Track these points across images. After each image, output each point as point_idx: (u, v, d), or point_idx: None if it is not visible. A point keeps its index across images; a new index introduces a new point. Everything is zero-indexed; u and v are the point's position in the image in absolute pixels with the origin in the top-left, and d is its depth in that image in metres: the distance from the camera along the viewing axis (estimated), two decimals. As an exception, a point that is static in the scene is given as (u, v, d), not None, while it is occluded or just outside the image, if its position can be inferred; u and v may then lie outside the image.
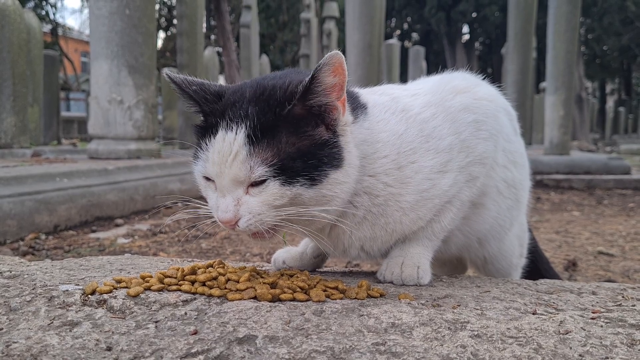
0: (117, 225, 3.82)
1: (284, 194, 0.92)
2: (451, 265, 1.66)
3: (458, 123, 1.11)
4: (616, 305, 0.93)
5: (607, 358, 0.68)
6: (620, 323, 0.80)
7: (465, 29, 22.90)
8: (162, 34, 24.84)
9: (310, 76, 0.90)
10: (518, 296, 1.00)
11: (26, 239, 3.18)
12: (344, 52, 7.90)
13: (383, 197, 1.05)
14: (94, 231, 3.59)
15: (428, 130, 1.09)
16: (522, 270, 1.63)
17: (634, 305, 0.93)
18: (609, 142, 18.92)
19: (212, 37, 21.75)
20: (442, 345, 0.73)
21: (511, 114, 1.38)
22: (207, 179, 0.97)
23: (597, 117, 24.71)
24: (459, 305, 0.90)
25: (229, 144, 0.90)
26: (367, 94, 1.14)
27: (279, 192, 0.92)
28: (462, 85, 1.18)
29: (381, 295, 0.97)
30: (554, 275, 1.72)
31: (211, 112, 0.96)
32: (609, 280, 2.25)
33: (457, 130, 1.11)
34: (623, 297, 1.05)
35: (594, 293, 1.08)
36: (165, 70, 0.99)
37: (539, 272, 1.69)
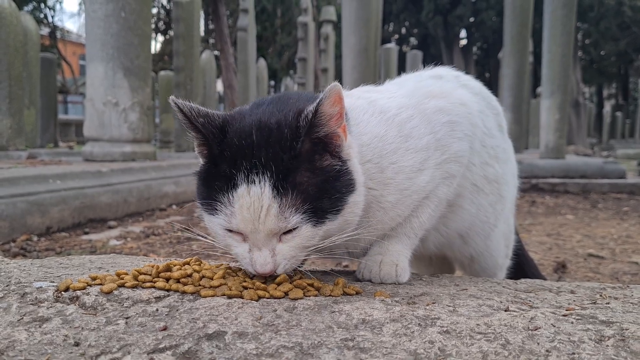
0: (110, 227, 3.81)
1: (316, 234, 0.93)
2: (437, 265, 1.66)
3: (434, 123, 1.13)
4: (591, 303, 0.93)
5: (574, 354, 0.68)
6: (591, 320, 0.80)
7: (463, 33, 22.97)
8: (160, 37, 24.87)
9: (313, 110, 0.90)
10: (495, 294, 1.00)
11: (18, 240, 3.18)
12: (340, 55, 7.91)
13: (367, 201, 1.06)
14: (86, 233, 3.59)
15: (407, 130, 1.10)
16: (508, 272, 1.63)
17: (608, 303, 0.93)
18: (606, 146, 18.94)
19: (211, 40, 21.78)
20: (410, 341, 0.73)
21: (496, 109, 1.40)
22: (228, 230, 0.95)
23: (595, 122, 24.75)
24: (433, 303, 0.90)
25: (258, 199, 0.88)
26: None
27: (311, 234, 0.93)
28: (437, 90, 1.20)
29: (357, 293, 0.97)
30: (539, 277, 1.72)
31: (221, 157, 0.93)
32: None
33: (433, 130, 1.12)
34: (601, 295, 1.05)
35: (572, 292, 1.08)
36: (172, 98, 0.93)
37: (524, 274, 1.69)
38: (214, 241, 1.01)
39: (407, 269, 1.13)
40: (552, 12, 7.24)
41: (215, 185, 0.92)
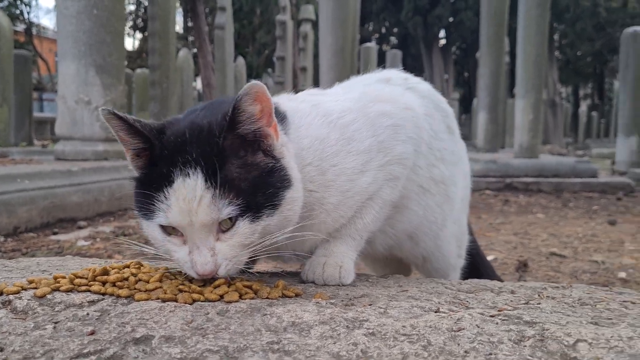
0: (80, 228, 3.77)
1: (255, 230, 0.95)
2: (394, 266, 1.68)
3: (377, 126, 1.15)
4: (524, 304, 0.95)
5: (491, 354, 0.70)
6: (516, 320, 0.82)
7: (442, 33, 23.14)
8: (139, 35, 24.61)
9: (231, 107, 0.92)
10: (435, 295, 1.02)
11: (-18, 241, 3.12)
12: (317, 55, 7.91)
13: (309, 204, 1.08)
14: (55, 233, 3.54)
15: (349, 133, 1.11)
16: (463, 272, 1.65)
17: (539, 304, 0.95)
18: (581, 146, 19.26)
19: (190, 38, 21.62)
20: (335, 343, 0.74)
21: (445, 111, 1.42)
22: (167, 233, 0.96)
23: (571, 122, 25.14)
24: (370, 305, 0.91)
25: (192, 190, 0.90)
26: (287, 102, 1.17)
27: (249, 230, 0.94)
28: (382, 95, 1.22)
29: (297, 295, 0.98)
30: (494, 277, 1.75)
31: (160, 159, 0.95)
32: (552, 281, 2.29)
33: (376, 133, 1.14)
34: (539, 295, 1.07)
35: (512, 292, 1.10)
36: (102, 108, 0.95)
37: (479, 274, 1.71)
38: (150, 248, 1.02)
39: (351, 271, 1.14)
40: (527, 12, 7.33)
41: (152, 187, 0.93)
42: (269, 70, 16.79)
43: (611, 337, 0.72)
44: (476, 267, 1.73)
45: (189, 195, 0.90)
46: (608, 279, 2.29)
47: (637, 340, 0.72)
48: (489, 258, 2.63)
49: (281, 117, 1.08)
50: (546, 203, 5.82)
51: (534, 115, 7.43)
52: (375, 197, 1.15)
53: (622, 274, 2.33)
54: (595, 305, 0.97)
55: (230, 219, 0.92)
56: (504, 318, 0.83)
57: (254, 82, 0.92)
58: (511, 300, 1.01)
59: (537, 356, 0.70)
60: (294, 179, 0.99)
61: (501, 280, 1.67)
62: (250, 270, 1.05)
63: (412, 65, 26.97)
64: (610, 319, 0.84)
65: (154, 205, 0.93)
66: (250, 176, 0.94)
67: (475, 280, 1.26)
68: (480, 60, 9.48)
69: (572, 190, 6.75)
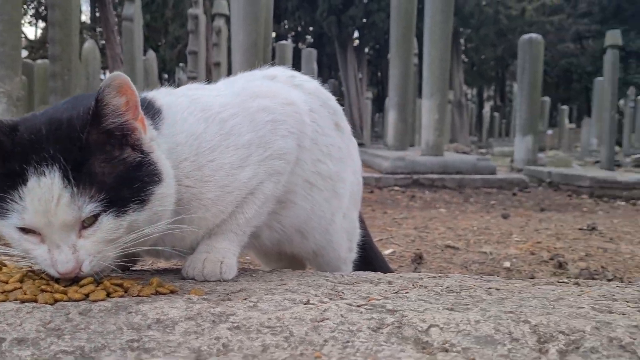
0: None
1: (120, 225, 0.91)
2: (287, 260, 1.70)
3: (257, 122, 1.16)
4: (394, 293, 1.00)
5: (349, 342, 0.73)
6: (379, 309, 0.86)
7: (356, 33, 23.65)
8: (41, 24, 23.13)
9: (95, 100, 0.90)
10: (313, 288, 1.04)
11: None
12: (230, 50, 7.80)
13: (186, 199, 1.06)
14: None
15: (228, 128, 1.11)
16: (355, 265, 1.70)
17: (407, 292, 1.00)
18: (485, 144, 20.42)
19: (98, 29, 20.61)
20: (197, 338, 0.73)
21: (332, 108, 1.44)
22: (23, 230, 0.91)
23: (476, 122, 26.61)
24: (245, 299, 0.92)
25: (48, 189, 0.86)
26: (165, 96, 1.15)
27: (114, 226, 0.91)
28: (263, 90, 1.23)
29: (172, 292, 0.96)
30: (386, 269, 1.82)
31: (11, 156, 0.89)
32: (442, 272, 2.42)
33: (256, 128, 1.15)
34: (413, 285, 1.13)
35: (389, 283, 1.15)
36: None
37: (372, 267, 1.76)
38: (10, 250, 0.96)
39: (233, 266, 1.14)
40: (432, 17, 7.65)
41: (5, 186, 0.88)
42: (182, 64, 16.35)
43: (461, 321, 0.78)
44: (369, 260, 1.78)
45: (46, 195, 0.86)
46: (494, 268, 2.45)
47: (483, 323, 0.77)
48: (388, 251, 2.72)
49: (155, 111, 1.06)
50: (449, 198, 6.12)
51: (439, 115, 7.77)
52: (256, 192, 1.16)
53: (507, 264, 2.50)
54: (460, 293, 1.03)
55: (94, 215, 0.89)
56: (369, 307, 0.86)
57: (116, 73, 0.90)
58: (385, 291, 1.05)
59: (391, 342, 0.73)
60: (165, 174, 0.97)
61: (393, 271, 1.74)
62: (132, 268, 1.02)
63: (328, 64, 27.32)
64: (467, 304, 0.90)
65: (7, 205, 0.88)
66: (115, 171, 0.91)
67: (358, 272, 1.30)
68: (390, 61, 9.77)
69: (474, 187, 7.14)
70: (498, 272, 2.39)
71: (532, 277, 2.32)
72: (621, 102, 17.45)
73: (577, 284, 1.22)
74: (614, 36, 8.99)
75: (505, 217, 4.34)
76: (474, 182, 7.23)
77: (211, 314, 0.81)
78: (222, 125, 1.10)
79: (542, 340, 0.72)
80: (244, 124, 1.13)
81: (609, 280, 2.21)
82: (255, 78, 1.34)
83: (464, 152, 10.62)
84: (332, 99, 1.46)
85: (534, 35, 9.70)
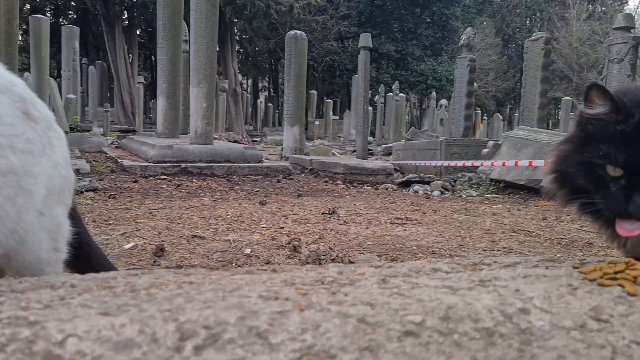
0: None
1: None
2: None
3: None
4: (59, 300, 0.90)
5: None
6: (21, 322, 0.76)
7: (127, 13, 22.20)
8: None
9: None
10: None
11: None
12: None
13: None
14: None
15: None
16: (69, 265, 1.55)
17: (73, 298, 0.91)
18: (259, 133, 21.12)
19: None
20: None
21: (19, 95, 1.27)
22: None
23: (251, 111, 27.37)
24: None
25: None
26: None
27: None
28: None
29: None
30: (107, 267, 1.70)
31: None
32: (178, 266, 2.39)
33: None
34: (97, 287, 1.04)
35: (72, 286, 1.05)
36: None
37: (91, 267, 1.64)
38: None
39: None
40: (197, 5, 7.54)
41: None
42: None
43: (104, 327, 0.72)
44: (87, 257, 1.65)
45: None
46: (235, 256, 2.49)
47: (129, 326, 0.73)
48: (129, 245, 2.58)
49: None
50: (216, 186, 6.13)
51: (207, 103, 7.73)
52: None
53: (248, 250, 2.57)
54: (140, 292, 0.98)
55: None
56: (7, 322, 0.76)
57: None
58: (52, 299, 0.95)
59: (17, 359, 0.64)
60: None
61: (115, 269, 1.63)
62: None
63: (95, 44, 25.16)
64: (131, 306, 0.85)
65: None
66: None
67: (44, 277, 1.16)
68: (158, 46, 9.40)
69: (242, 174, 7.29)
70: (238, 259, 2.44)
71: (268, 262, 2.42)
72: (377, 97, 19.73)
73: (274, 270, 1.28)
74: (365, 39, 9.99)
75: (262, 203, 4.49)
76: (241, 170, 7.39)
77: None
78: None
79: (183, 337, 0.71)
80: None
81: (332, 259, 2.43)
82: None
83: (235, 141, 10.82)
84: (18, 84, 1.28)
85: (298, 32, 10.30)
